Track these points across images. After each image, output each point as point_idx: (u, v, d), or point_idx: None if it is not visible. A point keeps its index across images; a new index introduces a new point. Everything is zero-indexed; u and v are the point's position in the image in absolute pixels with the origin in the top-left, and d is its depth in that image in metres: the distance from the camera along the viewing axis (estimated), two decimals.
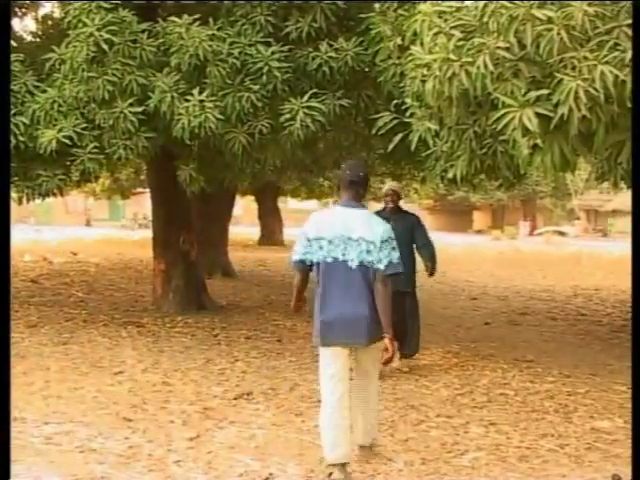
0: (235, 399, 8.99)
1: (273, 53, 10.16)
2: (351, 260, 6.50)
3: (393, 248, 6.55)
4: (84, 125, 10.84)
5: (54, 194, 12.04)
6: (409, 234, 10.26)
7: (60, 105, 10.82)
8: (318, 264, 6.62)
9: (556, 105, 6.33)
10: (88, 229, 54.96)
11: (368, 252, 6.48)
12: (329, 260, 6.55)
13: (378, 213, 9.63)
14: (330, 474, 6.46)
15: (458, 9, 7.12)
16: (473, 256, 35.69)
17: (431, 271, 10.58)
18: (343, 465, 6.47)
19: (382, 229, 6.56)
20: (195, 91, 10.15)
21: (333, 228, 6.58)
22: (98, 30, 10.25)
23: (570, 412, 8.89)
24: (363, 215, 6.68)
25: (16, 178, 11.51)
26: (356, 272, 6.49)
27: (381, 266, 6.45)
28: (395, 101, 9.37)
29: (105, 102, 10.61)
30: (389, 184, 11.17)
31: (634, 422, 5.11)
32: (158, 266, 15.45)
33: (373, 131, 9.72)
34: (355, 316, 6.50)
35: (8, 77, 10.15)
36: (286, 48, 10.29)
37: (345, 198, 6.76)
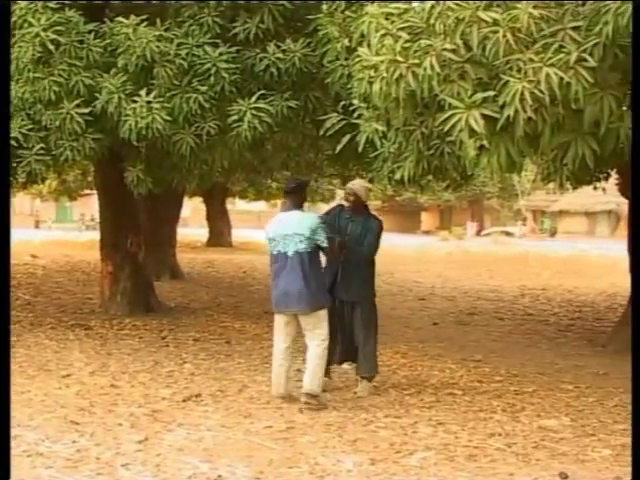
0: (184, 401, 8.94)
1: (221, 54, 10.14)
2: (289, 251, 8.74)
3: (323, 229, 8.82)
4: (30, 126, 10.74)
5: None
6: (363, 240, 9.57)
7: None
8: (271, 255, 8.97)
9: (502, 107, 6.39)
10: (37, 231, 54.46)
11: (300, 242, 8.70)
12: (275, 252, 8.89)
13: (341, 211, 9.72)
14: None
15: (405, 11, 7.17)
16: (421, 257, 35.86)
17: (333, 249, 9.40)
18: (284, 397, 8.97)
19: (310, 223, 8.79)
20: (142, 92, 10.10)
21: (276, 229, 8.92)
22: (44, 30, 10.17)
23: (517, 411, 8.94)
24: (296, 215, 8.89)
25: None
26: (293, 258, 8.74)
27: (322, 244, 8.81)
28: (343, 102, 9.40)
29: (51, 103, 10.53)
30: (350, 183, 10.31)
31: (634, 422, 5.15)
32: (106, 268, 15.33)
33: (321, 132, 9.75)
34: (293, 291, 8.71)
35: (8, 77, 10.02)
36: (234, 49, 10.27)
37: (285, 206, 9.22)
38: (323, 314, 8.84)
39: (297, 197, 9.02)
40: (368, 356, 9.64)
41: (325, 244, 8.82)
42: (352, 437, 7.79)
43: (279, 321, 8.99)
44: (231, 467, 6.84)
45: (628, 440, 7.78)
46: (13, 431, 7.61)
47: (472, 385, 10.18)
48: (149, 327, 13.86)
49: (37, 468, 6.72)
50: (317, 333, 8.86)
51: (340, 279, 9.52)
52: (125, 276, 15.16)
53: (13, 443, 7.28)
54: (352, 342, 9.67)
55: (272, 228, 8.97)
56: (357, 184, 9.93)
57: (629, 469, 6.91)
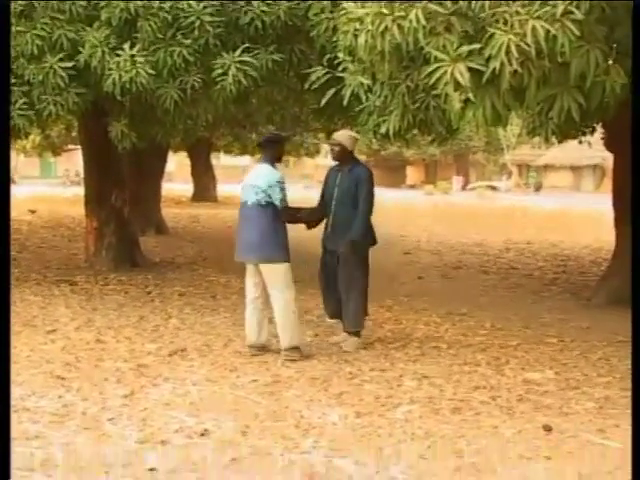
0: (169, 356, 8.98)
1: (205, 7, 10.03)
2: (249, 200, 8.99)
3: (282, 189, 8.97)
4: (13, 80, 10.63)
5: None
6: (352, 190, 9.38)
7: None
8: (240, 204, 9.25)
9: (488, 59, 6.35)
10: (19, 187, 54.18)
11: (256, 193, 8.91)
12: (241, 201, 9.16)
13: (332, 168, 9.75)
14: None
15: None
16: (406, 211, 35.90)
17: (346, 244, 9.36)
18: (255, 347, 9.18)
19: (269, 178, 8.95)
20: (126, 46, 10.02)
21: (245, 179, 9.23)
22: None
23: (502, 364, 8.99)
24: (262, 168, 9.13)
25: None
26: (252, 209, 8.98)
27: (277, 202, 8.90)
28: (328, 56, 9.33)
29: (34, 57, 10.44)
30: (335, 134, 10.07)
31: (634, 422, 5.18)
32: (91, 223, 15.30)
33: (306, 86, 9.68)
34: (249, 240, 9.00)
35: (8, 76, 9.93)
36: (218, 2, 10.17)
37: (260, 158, 9.44)
38: (281, 268, 8.98)
39: (270, 151, 9.21)
40: (351, 312, 9.55)
41: (278, 202, 8.90)
42: (337, 390, 7.83)
43: (247, 271, 9.24)
44: (217, 421, 6.88)
45: (611, 393, 7.87)
46: None
47: (457, 339, 10.22)
48: (134, 282, 13.87)
49: (24, 423, 6.73)
50: (275, 287, 9.02)
51: (330, 229, 9.52)
52: (110, 231, 15.14)
53: None
54: (332, 298, 9.69)
55: (245, 178, 9.29)
56: (341, 134, 9.82)
57: (612, 422, 7.01)
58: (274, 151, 9.23)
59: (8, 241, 6.26)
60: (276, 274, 8.98)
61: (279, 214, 8.98)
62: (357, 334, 9.63)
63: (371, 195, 9.45)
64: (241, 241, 9.14)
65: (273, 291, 9.04)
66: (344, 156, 9.59)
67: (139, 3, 9.84)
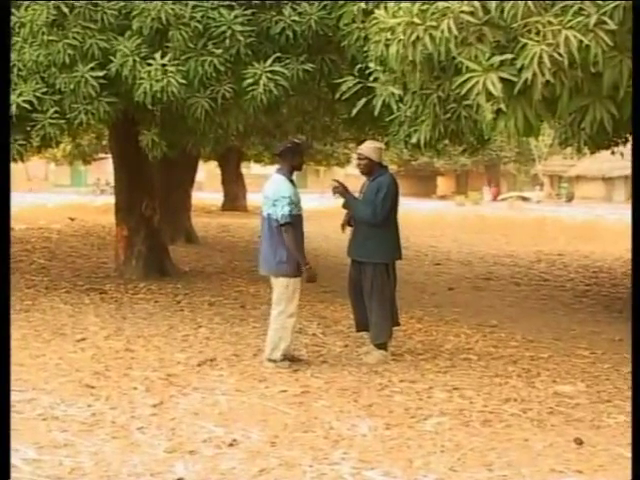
0: (198, 365, 8.97)
1: (236, 17, 10.03)
2: (264, 212, 8.97)
3: (288, 203, 8.73)
4: (44, 89, 10.67)
5: (14, 160, 11.86)
6: (372, 198, 9.32)
7: (20, 69, 10.65)
8: None
9: (520, 70, 6.31)
10: (51, 195, 54.46)
11: (267, 206, 8.87)
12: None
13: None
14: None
15: None
16: (437, 222, 35.76)
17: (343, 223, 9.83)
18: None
19: (274, 189, 8.86)
20: (157, 55, 10.02)
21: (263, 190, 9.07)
22: None
23: (533, 377, 8.93)
24: (274, 179, 9.05)
25: None
26: (265, 221, 8.97)
27: (278, 218, 8.77)
28: (359, 65, 9.31)
29: (66, 66, 10.45)
30: (359, 148, 9.98)
31: (634, 422, 5.13)
32: (121, 232, 15.34)
33: (337, 96, 9.65)
34: (262, 253, 9.10)
35: (8, 76, 9.97)
36: (249, 12, 10.16)
37: (277, 167, 9.25)
38: (283, 282, 8.91)
39: (287, 160, 9.05)
40: (372, 323, 9.47)
41: (279, 217, 8.75)
42: (367, 402, 7.81)
43: None
44: (246, 431, 6.87)
45: None
46: (28, 395, 7.68)
47: (487, 350, 10.17)
48: (164, 291, 13.88)
49: (52, 432, 6.75)
50: (275, 299, 9.02)
51: (353, 239, 9.51)
52: (140, 240, 15.17)
53: (28, 406, 7.34)
54: (359, 308, 9.64)
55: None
56: (365, 146, 9.72)
57: None
58: (292, 160, 9.05)
59: (8, 240, 6.25)
60: (278, 287, 8.98)
61: (286, 228, 8.79)
62: (381, 346, 9.50)
63: (386, 200, 9.32)
64: (260, 252, 9.25)
65: (273, 304, 9.07)
66: (372, 168, 9.53)
67: (170, 12, 9.85)
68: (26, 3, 10.42)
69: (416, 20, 6.72)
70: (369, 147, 9.67)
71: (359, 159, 9.63)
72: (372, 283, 9.38)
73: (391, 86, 8.17)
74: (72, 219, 27.82)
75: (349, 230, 9.73)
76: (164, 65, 9.94)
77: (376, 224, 9.29)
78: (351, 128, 16.73)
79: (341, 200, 9.63)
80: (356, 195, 9.56)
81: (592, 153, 15.35)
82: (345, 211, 9.75)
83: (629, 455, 6.49)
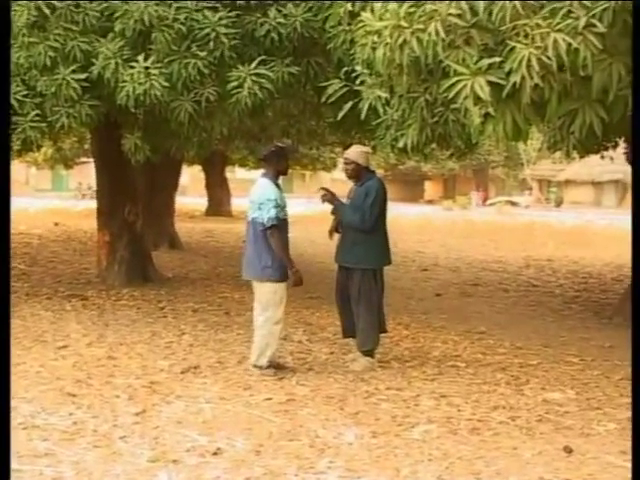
0: (182, 373, 8.88)
1: (220, 19, 9.94)
2: (249, 216, 8.90)
3: (275, 206, 8.69)
4: (25, 92, 10.56)
5: None
6: (360, 204, 9.18)
7: None
8: None
9: (508, 73, 6.26)
10: (33, 200, 54.29)
11: (252, 210, 8.82)
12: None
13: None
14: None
15: None
16: (424, 226, 35.82)
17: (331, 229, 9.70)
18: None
19: (260, 193, 8.81)
20: (140, 57, 9.91)
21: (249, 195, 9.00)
22: None
23: (522, 384, 8.88)
24: (260, 183, 8.98)
25: None
26: (250, 225, 8.89)
27: (263, 221, 8.70)
28: (345, 68, 9.27)
29: (47, 68, 10.34)
30: (345, 152, 9.94)
31: (634, 422, 5.08)
32: (103, 237, 15.22)
33: (322, 99, 9.60)
34: (246, 257, 9.02)
35: (8, 77, 9.87)
36: (234, 14, 10.07)
37: (262, 172, 9.19)
38: (270, 288, 8.82)
39: (272, 164, 8.97)
40: (359, 330, 9.37)
41: (265, 221, 8.68)
42: (353, 410, 7.74)
43: None
44: (230, 440, 6.80)
45: None
46: None
47: (476, 357, 10.10)
48: (147, 297, 13.76)
49: (33, 441, 6.67)
50: (258, 305, 8.96)
51: (340, 244, 9.43)
52: (122, 245, 15.05)
53: None
54: (345, 314, 9.54)
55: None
56: (352, 150, 9.65)
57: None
58: (277, 165, 8.97)
59: (8, 247, 6.16)
60: (261, 293, 8.91)
61: (272, 232, 8.72)
62: (368, 353, 9.40)
63: (375, 205, 9.20)
64: (244, 257, 9.16)
65: (257, 309, 8.97)
66: (359, 173, 9.42)
67: (153, 14, 9.75)
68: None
69: (403, 23, 6.67)
70: (356, 151, 9.58)
71: (346, 163, 9.52)
72: (359, 289, 9.28)
73: (378, 89, 8.14)
74: (56, 224, 27.75)
75: (337, 236, 9.63)
76: (147, 68, 9.84)
77: (365, 230, 9.18)
78: (337, 132, 16.65)
79: (329, 206, 9.50)
80: (344, 200, 9.47)
81: (581, 157, 15.33)
82: (333, 217, 9.66)
83: (619, 463, 6.48)
